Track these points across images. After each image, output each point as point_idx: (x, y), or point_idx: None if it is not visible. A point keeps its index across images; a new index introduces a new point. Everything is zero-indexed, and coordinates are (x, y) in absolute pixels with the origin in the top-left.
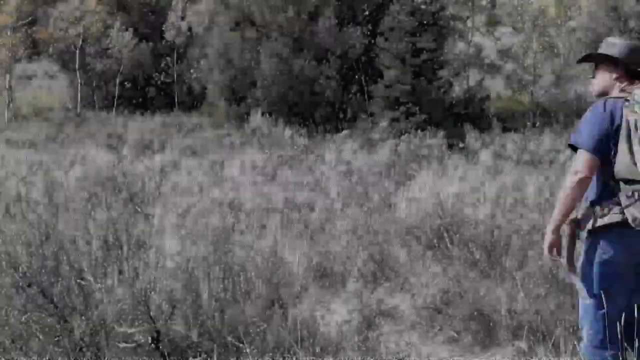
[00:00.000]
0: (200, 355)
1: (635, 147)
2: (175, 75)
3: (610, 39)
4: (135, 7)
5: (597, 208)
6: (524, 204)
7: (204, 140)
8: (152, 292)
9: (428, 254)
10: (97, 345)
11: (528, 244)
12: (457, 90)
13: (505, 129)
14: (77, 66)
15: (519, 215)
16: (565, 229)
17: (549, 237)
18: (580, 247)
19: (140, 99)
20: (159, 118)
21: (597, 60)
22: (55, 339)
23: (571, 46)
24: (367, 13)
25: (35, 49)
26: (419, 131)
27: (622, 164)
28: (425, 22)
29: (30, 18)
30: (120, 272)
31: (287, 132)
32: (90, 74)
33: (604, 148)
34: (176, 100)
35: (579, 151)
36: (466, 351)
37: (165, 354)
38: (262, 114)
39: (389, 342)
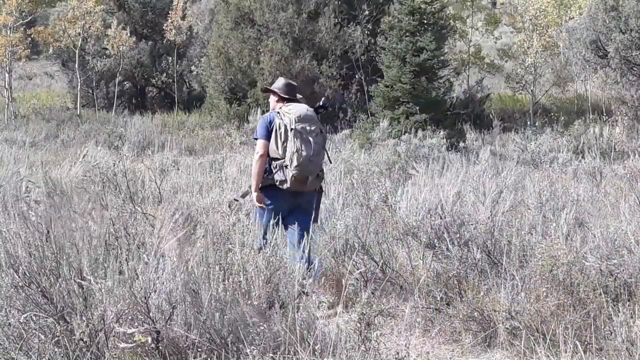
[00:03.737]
0: (200, 355)
1: (277, 139)
2: (175, 75)
3: (278, 79)
4: (136, 7)
5: (264, 175)
6: (524, 204)
7: (204, 140)
8: (152, 293)
9: (428, 254)
10: (97, 345)
11: (528, 244)
12: (457, 90)
13: (505, 129)
14: (76, 66)
15: (519, 215)
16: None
17: (255, 196)
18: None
19: (140, 99)
20: (159, 118)
21: (268, 91)
22: (55, 339)
23: (571, 46)
24: (367, 12)
25: (34, 49)
26: (419, 131)
27: (272, 148)
28: (425, 21)
29: (30, 17)
30: (120, 272)
31: None
32: (90, 73)
33: (268, 140)
34: (176, 100)
35: (258, 140)
36: (466, 351)
37: (166, 354)
38: (262, 113)
39: (389, 342)
